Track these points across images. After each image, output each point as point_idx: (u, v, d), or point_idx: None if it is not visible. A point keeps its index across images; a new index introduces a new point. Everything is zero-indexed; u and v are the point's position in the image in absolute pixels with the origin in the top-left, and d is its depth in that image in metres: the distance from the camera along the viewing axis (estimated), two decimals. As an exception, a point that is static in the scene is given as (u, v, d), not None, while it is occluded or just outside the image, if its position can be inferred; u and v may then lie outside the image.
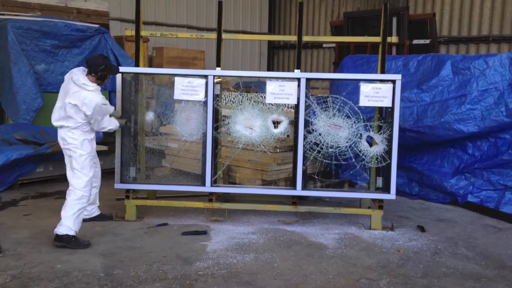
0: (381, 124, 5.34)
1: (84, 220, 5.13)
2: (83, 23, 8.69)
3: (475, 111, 6.11)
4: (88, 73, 4.67)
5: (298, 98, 5.19)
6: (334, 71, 10.68)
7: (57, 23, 7.93)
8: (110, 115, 4.94)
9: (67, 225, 4.51)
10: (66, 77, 4.78)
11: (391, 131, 5.16)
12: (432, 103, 6.39)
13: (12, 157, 6.27)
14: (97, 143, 5.12)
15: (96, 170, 5.13)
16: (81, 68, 4.79)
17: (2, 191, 6.44)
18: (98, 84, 4.73)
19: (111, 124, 4.91)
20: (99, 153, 5.37)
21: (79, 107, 4.58)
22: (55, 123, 4.75)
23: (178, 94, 5.26)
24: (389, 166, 5.20)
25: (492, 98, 6.07)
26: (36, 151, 6.51)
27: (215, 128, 5.32)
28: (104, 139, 7.22)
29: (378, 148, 5.27)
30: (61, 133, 4.73)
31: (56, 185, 6.76)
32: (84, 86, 4.61)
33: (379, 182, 5.46)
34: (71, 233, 4.52)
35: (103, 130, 4.93)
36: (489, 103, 6.07)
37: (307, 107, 5.21)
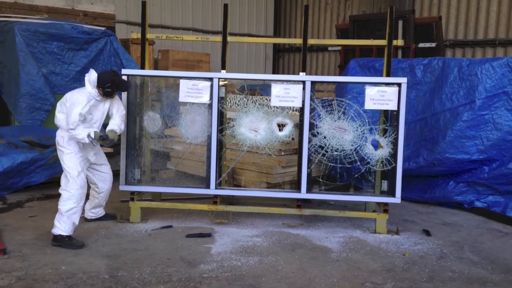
0: (386, 128, 5.32)
1: (90, 220, 5.31)
2: (90, 25, 8.73)
3: (486, 116, 5.94)
4: (97, 86, 4.78)
5: (303, 101, 5.19)
6: (340, 74, 10.65)
7: (63, 25, 7.96)
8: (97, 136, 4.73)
9: (58, 226, 4.62)
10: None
11: (397, 134, 5.15)
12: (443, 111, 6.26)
13: (18, 160, 6.27)
14: (101, 145, 5.12)
15: (102, 174, 5.17)
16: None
17: (8, 193, 6.47)
18: (105, 97, 4.84)
19: (78, 130, 4.61)
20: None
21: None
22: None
23: (183, 97, 5.27)
24: (394, 169, 5.18)
25: (502, 102, 5.92)
26: (42, 155, 6.51)
27: (220, 131, 5.32)
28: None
29: (384, 152, 5.26)
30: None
31: (61, 187, 6.77)
32: (83, 89, 4.79)
33: (384, 185, 5.44)
34: (64, 233, 4.61)
35: (71, 132, 4.64)
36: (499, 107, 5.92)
37: (312, 110, 5.21)
